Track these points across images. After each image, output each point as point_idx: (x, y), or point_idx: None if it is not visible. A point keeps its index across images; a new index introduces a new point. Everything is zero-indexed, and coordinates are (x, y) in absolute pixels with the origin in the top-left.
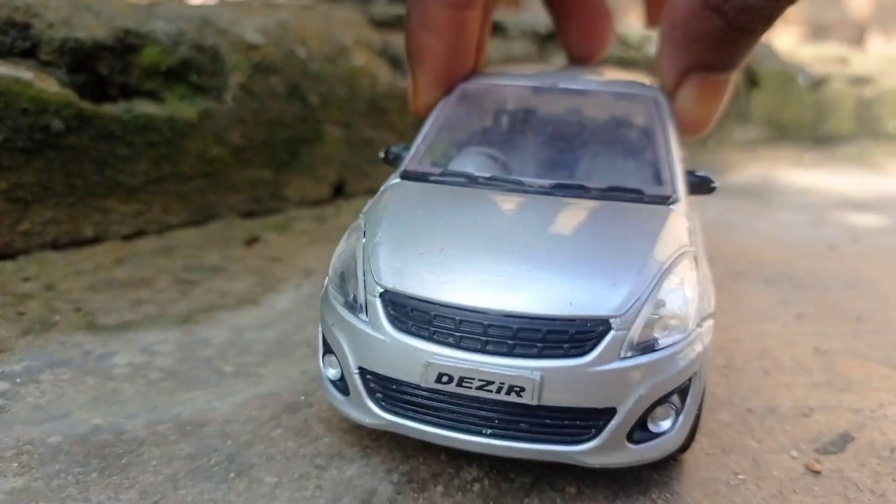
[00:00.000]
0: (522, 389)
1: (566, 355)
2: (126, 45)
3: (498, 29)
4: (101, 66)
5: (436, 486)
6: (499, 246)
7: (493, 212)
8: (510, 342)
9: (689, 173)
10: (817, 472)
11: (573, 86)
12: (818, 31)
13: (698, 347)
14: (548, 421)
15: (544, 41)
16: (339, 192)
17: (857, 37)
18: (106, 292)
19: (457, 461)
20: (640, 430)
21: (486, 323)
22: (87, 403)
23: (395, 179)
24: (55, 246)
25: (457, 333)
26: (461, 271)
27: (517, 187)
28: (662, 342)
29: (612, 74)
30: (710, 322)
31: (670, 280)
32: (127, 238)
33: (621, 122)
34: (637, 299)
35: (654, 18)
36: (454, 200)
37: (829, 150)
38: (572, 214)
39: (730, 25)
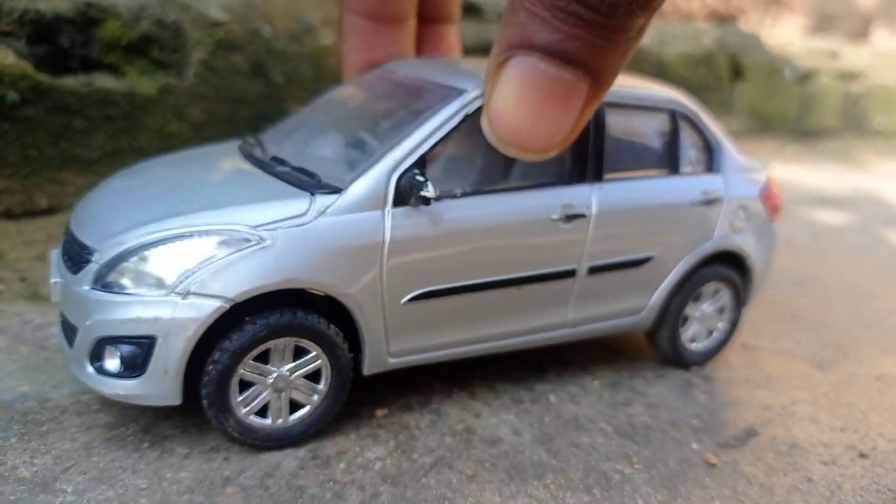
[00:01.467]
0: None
1: (74, 270)
2: (87, 18)
3: (473, 10)
4: (63, 39)
5: (339, 464)
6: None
7: (207, 169)
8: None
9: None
10: (712, 465)
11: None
12: (822, 23)
13: (163, 313)
14: None
15: None
16: None
17: (861, 29)
18: None
19: (364, 440)
20: (95, 361)
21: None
22: (18, 371)
23: (230, 143)
24: (8, 215)
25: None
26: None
27: (260, 160)
28: (127, 289)
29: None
30: (208, 302)
31: (185, 243)
32: None
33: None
34: (123, 246)
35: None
36: (207, 158)
37: (812, 145)
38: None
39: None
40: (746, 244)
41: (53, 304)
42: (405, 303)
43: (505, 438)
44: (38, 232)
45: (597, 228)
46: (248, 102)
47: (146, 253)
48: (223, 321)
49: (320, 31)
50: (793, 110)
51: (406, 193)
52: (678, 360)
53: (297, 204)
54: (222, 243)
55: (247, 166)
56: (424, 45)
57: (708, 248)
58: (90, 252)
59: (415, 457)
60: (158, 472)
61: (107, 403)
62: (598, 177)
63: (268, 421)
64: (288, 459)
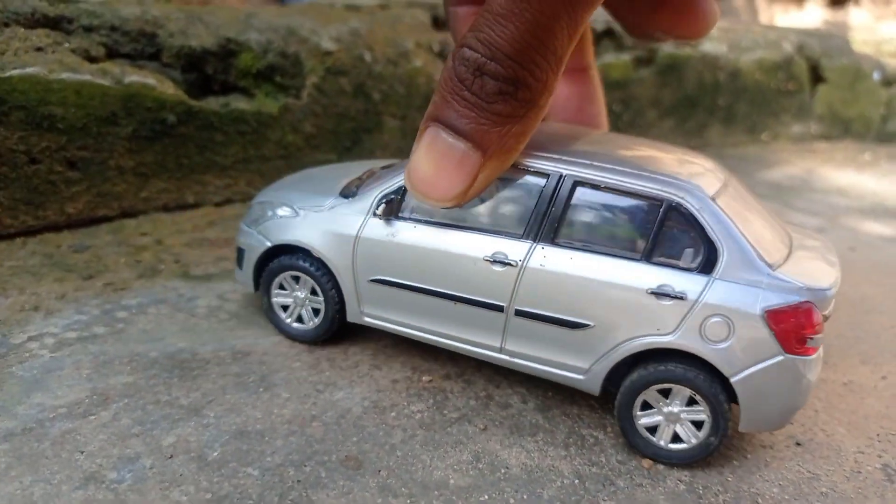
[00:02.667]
0: None
1: None
2: (227, 51)
3: None
4: (208, 67)
5: (391, 413)
6: None
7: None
8: None
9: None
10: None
11: None
12: None
13: (252, 241)
14: None
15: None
16: None
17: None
18: (198, 249)
19: (412, 398)
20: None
21: None
22: (177, 332)
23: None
24: (165, 209)
25: None
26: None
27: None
28: (245, 228)
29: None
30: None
31: (265, 205)
32: (218, 205)
33: None
34: (260, 198)
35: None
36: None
37: (895, 150)
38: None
39: (477, 89)
40: (728, 361)
41: (200, 282)
42: (369, 281)
43: (514, 404)
44: (186, 222)
45: (525, 279)
46: (350, 117)
47: (257, 206)
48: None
49: (413, 54)
50: (878, 114)
51: (382, 209)
52: (632, 443)
53: (326, 200)
54: (283, 208)
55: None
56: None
57: (660, 341)
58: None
59: (445, 412)
60: (268, 409)
61: (236, 359)
62: (548, 239)
63: (302, 325)
64: (356, 407)
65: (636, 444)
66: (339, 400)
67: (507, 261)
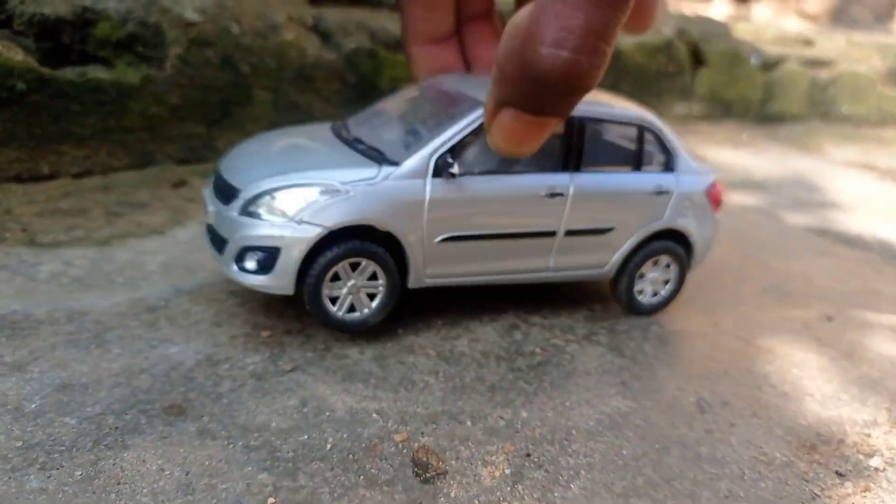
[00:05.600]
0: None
1: (225, 202)
2: (84, 20)
3: None
4: (64, 36)
5: (224, 365)
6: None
7: (306, 140)
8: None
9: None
10: (492, 385)
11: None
12: (845, 4)
13: (285, 232)
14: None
15: None
16: None
17: (886, 9)
18: (50, 218)
19: (248, 352)
20: (239, 262)
21: None
22: (12, 295)
23: (322, 124)
24: (18, 179)
25: None
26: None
27: (345, 138)
28: (262, 216)
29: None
30: (314, 228)
31: (300, 190)
32: (76, 176)
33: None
34: (263, 187)
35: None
36: (309, 133)
37: (773, 130)
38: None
39: (536, 72)
40: (689, 226)
41: (46, 249)
42: (437, 242)
43: (351, 355)
44: (40, 193)
45: (572, 204)
46: (217, 89)
47: (276, 194)
48: (322, 242)
49: (284, 28)
50: (757, 96)
51: (441, 169)
52: (631, 308)
53: (369, 170)
54: (323, 191)
55: (337, 142)
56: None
57: (657, 225)
58: (237, 191)
59: (280, 363)
60: (97, 364)
61: (72, 319)
62: (577, 168)
63: (357, 314)
64: (189, 360)
65: (632, 303)
66: (173, 354)
67: (557, 192)
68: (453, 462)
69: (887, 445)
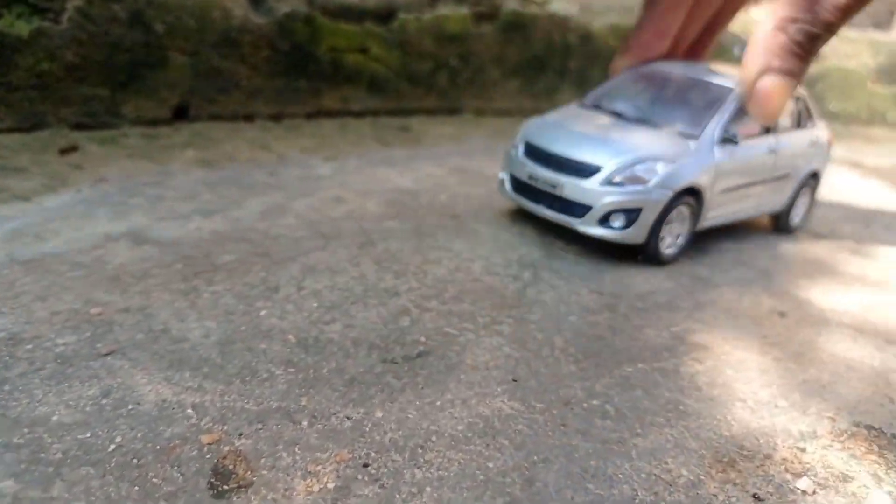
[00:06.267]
0: (555, 186)
1: (580, 176)
2: None
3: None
4: None
5: (27, 345)
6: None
7: (594, 120)
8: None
9: (725, 131)
10: (384, 371)
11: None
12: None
13: (645, 196)
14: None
15: None
16: (181, 115)
17: (885, 16)
18: None
19: (64, 331)
20: (604, 222)
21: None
22: None
23: (572, 105)
24: None
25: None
26: (555, 138)
27: (615, 115)
28: (625, 185)
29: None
30: (666, 191)
31: (649, 162)
32: None
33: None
34: (620, 163)
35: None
36: (584, 114)
37: None
38: (625, 127)
39: (792, 42)
40: (821, 166)
41: None
42: (718, 193)
43: (191, 338)
44: None
45: (778, 158)
46: (124, 49)
47: (633, 167)
48: (670, 202)
49: None
50: None
51: (724, 139)
52: (785, 229)
53: (686, 144)
54: (666, 163)
55: (626, 123)
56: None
57: (809, 168)
58: (597, 168)
59: (98, 346)
60: None
61: None
62: (775, 131)
63: (671, 249)
64: None
65: (788, 225)
66: None
67: (774, 149)
68: (265, 472)
69: (823, 463)
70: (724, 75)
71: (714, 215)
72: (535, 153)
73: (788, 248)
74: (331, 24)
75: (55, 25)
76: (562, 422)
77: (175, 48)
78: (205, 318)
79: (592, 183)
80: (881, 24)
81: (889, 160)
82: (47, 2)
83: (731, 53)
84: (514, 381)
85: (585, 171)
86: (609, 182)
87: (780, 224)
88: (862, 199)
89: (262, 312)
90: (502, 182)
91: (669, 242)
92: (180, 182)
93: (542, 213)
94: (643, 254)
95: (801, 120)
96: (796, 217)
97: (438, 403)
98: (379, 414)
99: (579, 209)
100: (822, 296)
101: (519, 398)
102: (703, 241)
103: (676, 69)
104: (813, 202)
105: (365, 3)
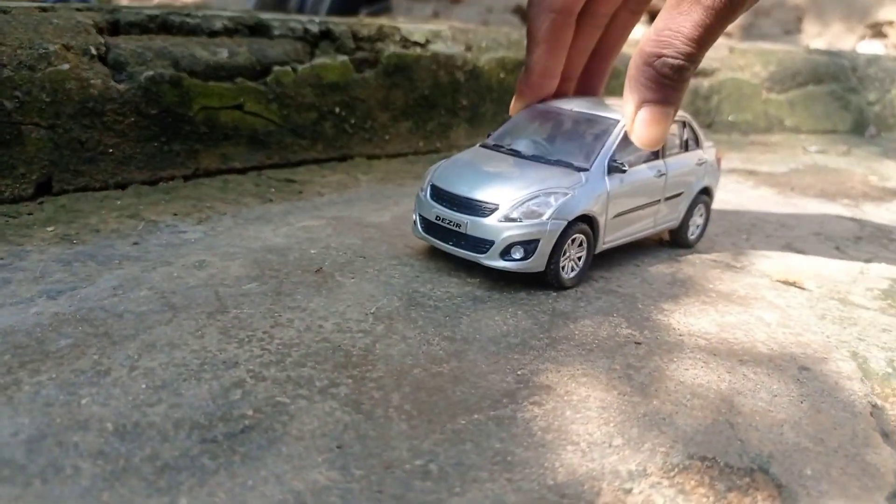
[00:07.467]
0: (459, 225)
1: (481, 215)
2: None
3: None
4: None
5: None
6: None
7: (493, 160)
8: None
9: (613, 161)
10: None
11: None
12: (756, 14)
13: (541, 229)
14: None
15: (316, 43)
16: (45, 190)
17: (794, 24)
18: None
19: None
20: (505, 255)
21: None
22: None
23: (476, 146)
24: None
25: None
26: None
27: (514, 154)
28: (521, 220)
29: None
30: (560, 222)
31: (542, 197)
32: None
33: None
34: (516, 199)
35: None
36: (484, 154)
37: None
38: (521, 165)
39: (660, 76)
40: (711, 182)
41: None
42: (612, 218)
43: (0, 438)
44: None
45: (667, 180)
46: None
47: (527, 203)
48: (564, 231)
49: (59, 56)
50: None
51: (612, 168)
52: (685, 244)
53: (578, 176)
54: (559, 196)
55: (523, 160)
56: (588, 76)
57: (700, 185)
58: (495, 206)
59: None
60: None
61: None
62: (664, 156)
63: (570, 274)
64: None
65: (686, 241)
66: None
67: (663, 172)
68: None
69: (647, 503)
70: (612, 108)
71: (611, 238)
72: (440, 195)
73: (661, 269)
74: (201, 84)
75: None
76: (378, 488)
77: (29, 123)
78: (19, 415)
79: (492, 220)
80: (790, 31)
81: (783, 167)
82: None
83: (622, 76)
84: (339, 447)
85: (485, 209)
86: (507, 218)
87: (678, 239)
88: (751, 209)
89: (84, 401)
90: (415, 223)
91: (571, 267)
92: (32, 262)
93: (450, 251)
94: (546, 280)
95: (688, 142)
96: (692, 231)
97: (250, 483)
98: (184, 501)
99: (482, 245)
100: (682, 318)
101: (339, 467)
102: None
103: (567, 105)
104: (708, 216)
105: (235, 60)
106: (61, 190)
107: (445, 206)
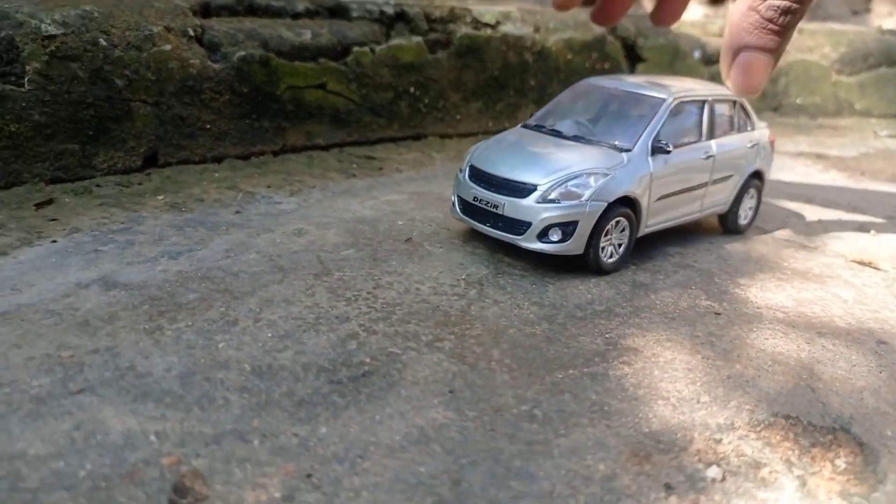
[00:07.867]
0: (496, 206)
1: (519, 196)
2: None
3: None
4: None
5: (5, 389)
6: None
7: (533, 141)
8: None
9: (657, 141)
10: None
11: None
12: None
13: (580, 210)
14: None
15: (392, 23)
16: (151, 162)
17: (862, 4)
18: None
19: (38, 373)
20: (542, 237)
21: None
22: None
23: (518, 127)
24: None
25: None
26: (496, 160)
27: (555, 134)
28: (559, 201)
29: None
30: (600, 203)
31: (582, 177)
32: None
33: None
34: (555, 180)
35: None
36: (525, 135)
37: None
38: (561, 146)
39: (764, 19)
40: (763, 166)
41: None
42: (655, 200)
43: (154, 373)
44: None
45: (715, 162)
46: (88, 105)
47: (566, 183)
48: (603, 213)
49: (161, 38)
50: None
51: (656, 149)
52: (735, 230)
53: (620, 157)
54: (598, 176)
55: (564, 141)
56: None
57: (751, 168)
58: (533, 186)
59: (70, 385)
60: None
61: None
62: (711, 137)
63: (612, 259)
64: None
65: (736, 226)
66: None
67: (711, 153)
68: (219, 487)
69: (737, 452)
70: (659, 87)
71: (654, 222)
72: (479, 175)
73: (735, 247)
74: (287, 64)
75: (18, 89)
76: (491, 427)
77: (137, 100)
78: (167, 354)
79: (530, 201)
80: (859, 11)
81: (853, 150)
82: (6, 66)
83: (691, 57)
84: (451, 392)
85: (523, 190)
86: (545, 199)
87: (728, 224)
88: (820, 193)
89: (221, 345)
90: (453, 204)
91: (611, 251)
92: (149, 227)
93: (488, 232)
94: (585, 263)
95: (739, 123)
96: (743, 217)
97: (378, 418)
98: (323, 430)
99: (520, 226)
100: (759, 293)
101: (453, 408)
102: (648, 247)
103: (613, 84)
104: (760, 201)
105: (318, 41)
106: (165, 162)
107: (483, 187)
